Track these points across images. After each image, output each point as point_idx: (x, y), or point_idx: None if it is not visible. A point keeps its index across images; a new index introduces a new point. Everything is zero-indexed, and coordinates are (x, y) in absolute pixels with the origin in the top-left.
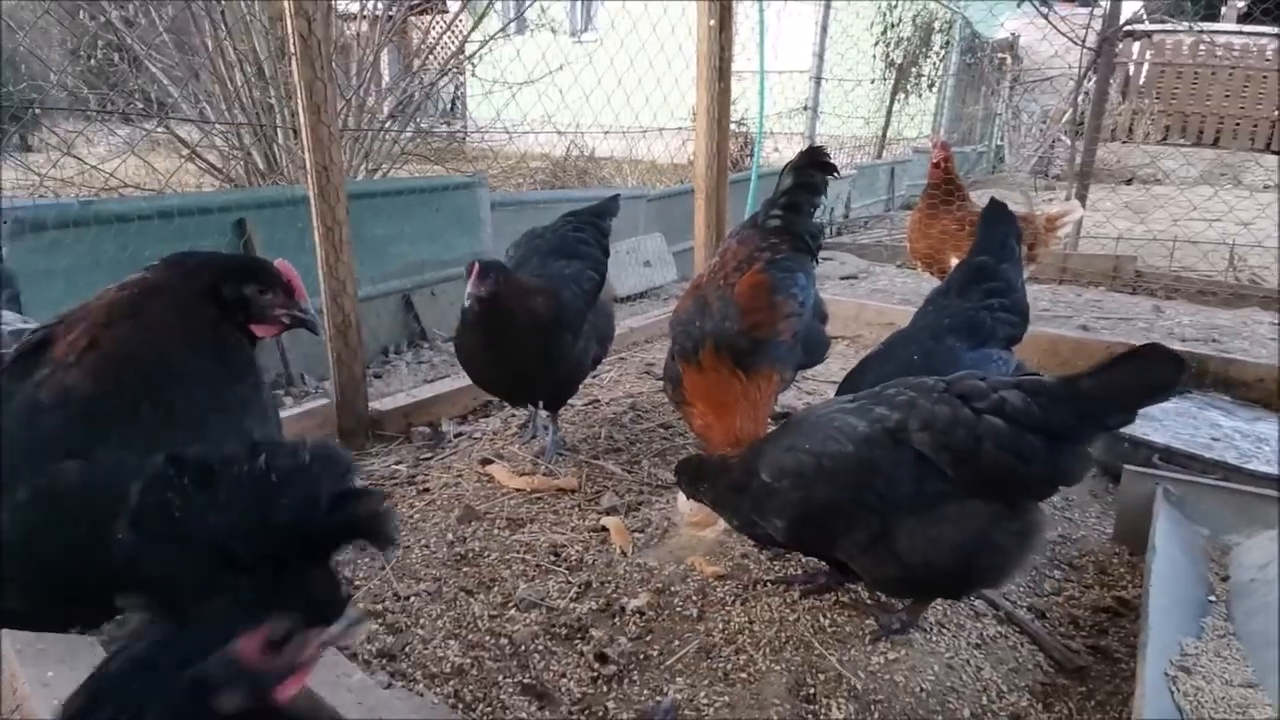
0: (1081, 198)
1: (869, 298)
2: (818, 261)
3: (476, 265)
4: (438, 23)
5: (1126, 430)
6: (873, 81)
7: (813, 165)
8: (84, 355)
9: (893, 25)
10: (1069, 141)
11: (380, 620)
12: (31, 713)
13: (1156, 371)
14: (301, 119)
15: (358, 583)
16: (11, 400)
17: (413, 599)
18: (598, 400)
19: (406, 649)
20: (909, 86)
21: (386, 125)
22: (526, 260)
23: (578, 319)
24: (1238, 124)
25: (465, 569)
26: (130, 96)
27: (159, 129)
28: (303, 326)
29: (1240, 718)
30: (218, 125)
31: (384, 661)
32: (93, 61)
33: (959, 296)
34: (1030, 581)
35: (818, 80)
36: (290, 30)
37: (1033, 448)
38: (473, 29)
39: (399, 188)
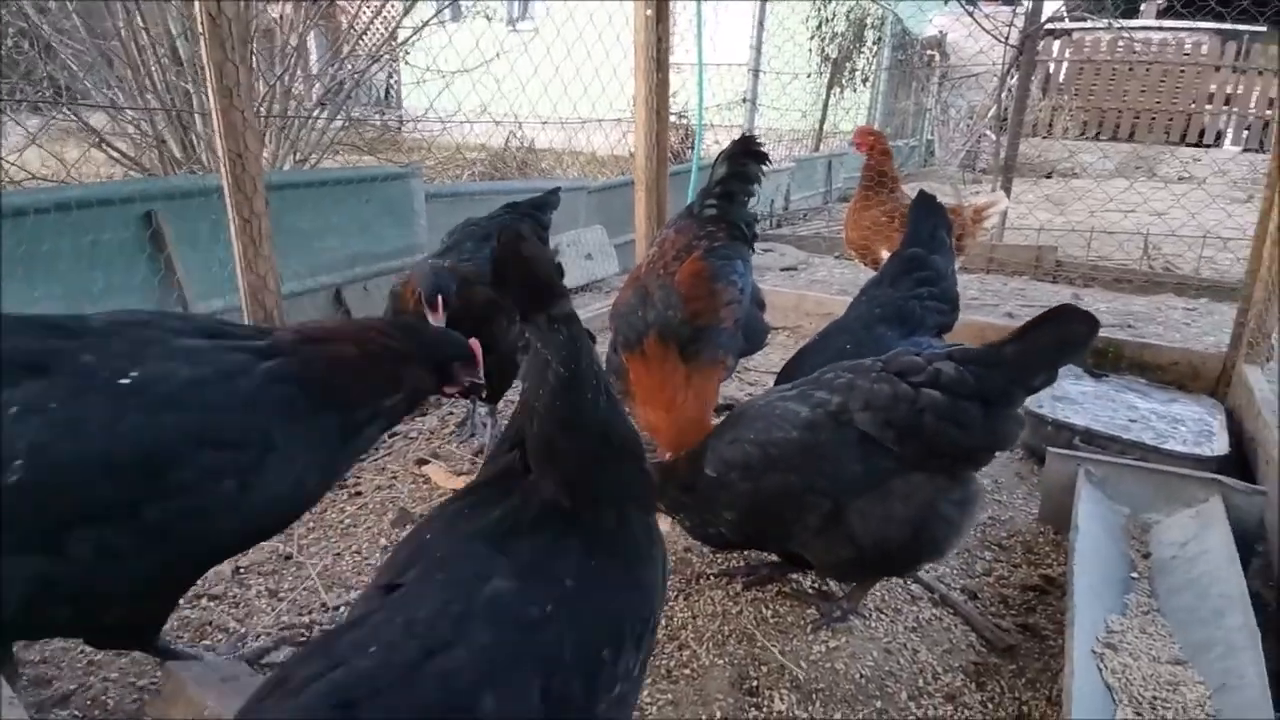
0: (1006, 190)
1: (808, 289)
2: (754, 249)
3: (431, 297)
4: (368, 6)
5: (1049, 414)
6: (809, 75)
7: (746, 154)
8: (339, 368)
9: (827, 20)
10: (994, 136)
11: (307, 633)
12: None
13: (1071, 329)
14: (212, 103)
15: (282, 594)
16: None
17: (343, 609)
18: None
19: None
20: (844, 81)
21: (314, 113)
22: (460, 244)
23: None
24: (1153, 118)
25: None
26: (39, 85)
27: (68, 117)
28: (473, 393)
29: (1171, 694)
30: (129, 111)
31: None
32: (1, 50)
33: (891, 286)
34: (962, 563)
35: (755, 73)
36: (198, 9)
37: (970, 414)
38: (405, 14)
39: (325, 178)
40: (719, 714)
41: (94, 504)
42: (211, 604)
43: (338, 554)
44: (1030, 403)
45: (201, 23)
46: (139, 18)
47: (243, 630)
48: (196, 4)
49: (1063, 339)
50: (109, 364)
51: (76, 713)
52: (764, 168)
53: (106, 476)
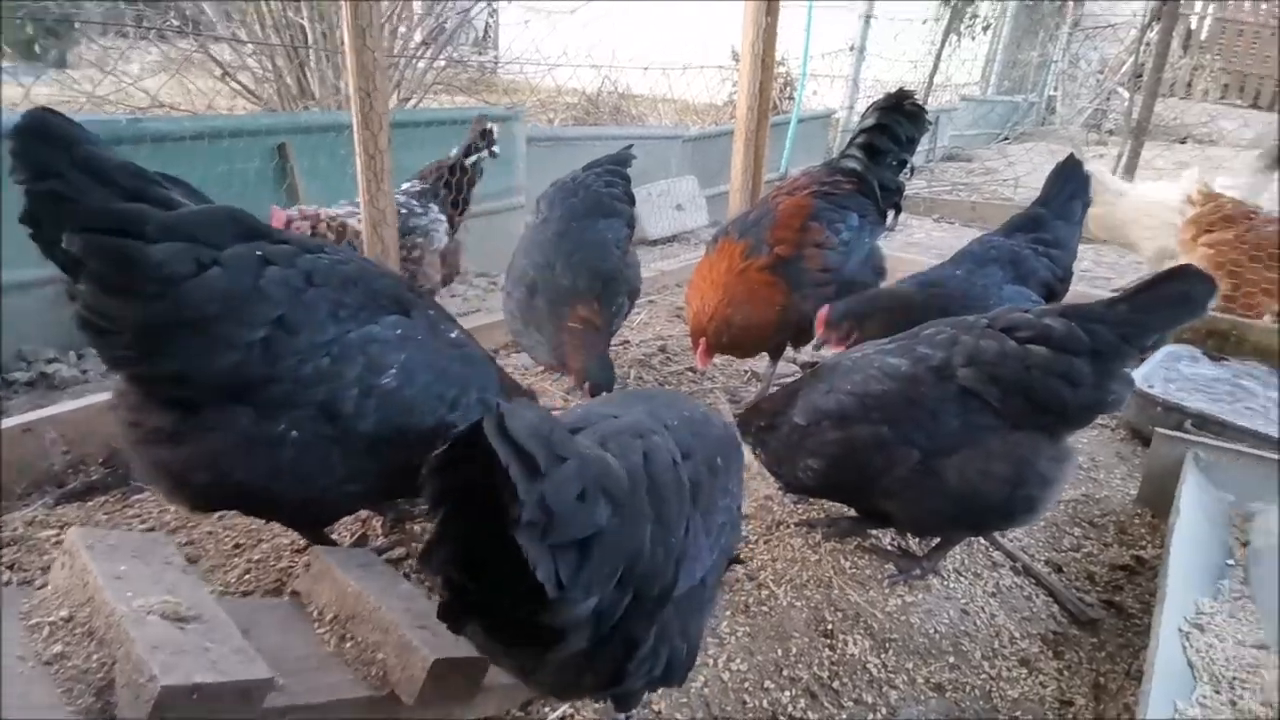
0: (1135, 154)
1: (904, 251)
2: (886, 218)
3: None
4: None
5: (1160, 394)
6: (924, 21)
7: (898, 109)
8: None
9: None
10: (1126, 94)
11: (421, 538)
12: (105, 603)
13: (1189, 289)
14: (346, 42)
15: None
16: None
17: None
18: (627, 341)
19: None
20: (962, 28)
21: (419, 53)
22: (567, 228)
23: (619, 279)
24: None
25: None
26: (166, 14)
27: (195, 50)
28: None
29: (1250, 675)
30: (251, 46)
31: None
32: None
33: (1006, 236)
34: (1049, 537)
35: (867, 19)
36: None
37: (1080, 372)
38: None
39: (439, 118)
40: (794, 650)
41: (414, 412)
42: None
43: None
44: (1140, 382)
45: None
46: None
47: (363, 531)
48: None
49: (1181, 298)
50: (441, 319)
51: (220, 587)
52: (917, 133)
53: (431, 397)
